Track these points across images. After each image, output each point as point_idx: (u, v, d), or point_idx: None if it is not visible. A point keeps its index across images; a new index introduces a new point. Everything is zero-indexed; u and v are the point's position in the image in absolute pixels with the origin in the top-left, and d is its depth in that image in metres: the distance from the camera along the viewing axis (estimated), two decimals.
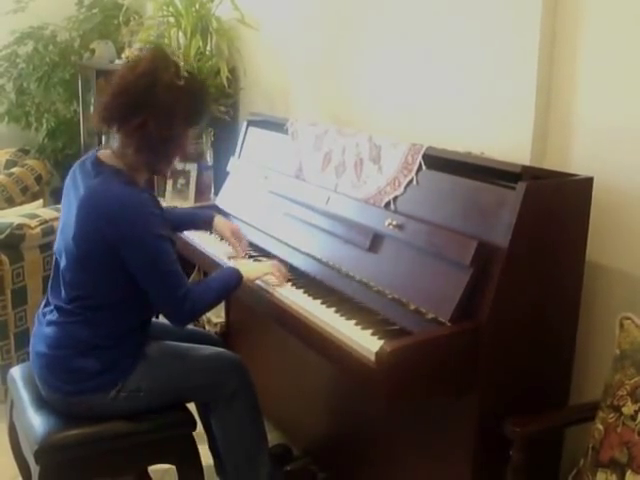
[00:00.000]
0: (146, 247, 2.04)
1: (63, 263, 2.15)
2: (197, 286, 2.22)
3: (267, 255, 2.65)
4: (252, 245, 2.79)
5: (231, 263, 2.53)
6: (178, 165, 3.74)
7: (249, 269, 2.36)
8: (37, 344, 2.20)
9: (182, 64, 2.23)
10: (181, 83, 2.10)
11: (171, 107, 2.07)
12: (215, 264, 2.64)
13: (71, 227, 2.09)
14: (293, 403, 2.88)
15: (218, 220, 2.67)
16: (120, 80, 2.11)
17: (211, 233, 2.80)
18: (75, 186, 2.16)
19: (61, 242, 2.18)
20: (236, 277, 2.28)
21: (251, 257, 2.65)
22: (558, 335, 2.08)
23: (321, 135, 2.68)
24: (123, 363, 2.14)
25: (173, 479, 2.31)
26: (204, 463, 2.29)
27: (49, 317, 2.18)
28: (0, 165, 4.93)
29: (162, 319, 2.25)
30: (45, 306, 2.24)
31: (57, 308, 2.17)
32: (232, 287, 2.27)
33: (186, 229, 2.84)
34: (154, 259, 2.05)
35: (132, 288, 2.10)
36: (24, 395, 2.24)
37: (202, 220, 2.71)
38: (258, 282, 2.35)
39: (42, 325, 2.20)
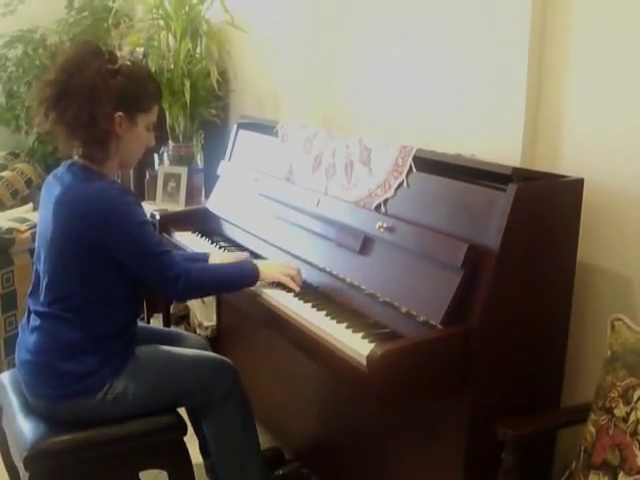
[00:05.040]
0: (128, 236, 2.06)
1: (42, 267, 2.15)
2: (197, 266, 2.29)
3: (258, 259, 2.64)
4: (243, 248, 2.78)
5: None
6: (168, 169, 3.73)
7: (267, 267, 2.35)
8: (21, 352, 2.19)
9: (121, 54, 2.19)
10: (115, 67, 2.08)
11: (93, 89, 2.04)
12: None
13: (49, 229, 2.10)
14: (285, 406, 2.87)
15: (213, 254, 2.59)
16: (48, 75, 2.11)
17: None
18: (49, 191, 2.16)
19: (40, 247, 2.18)
20: (250, 270, 2.29)
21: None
22: (550, 337, 2.08)
23: (311, 137, 2.67)
24: (110, 365, 2.12)
25: None
26: (194, 462, 2.28)
27: (32, 323, 2.16)
28: None
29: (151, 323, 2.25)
30: (27, 315, 2.23)
31: (37, 313, 2.15)
32: (244, 278, 2.28)
33: None
34: (139, 246, 2.07)
35: (115, 286, 2.11)
36: (13, 401, 2.22)
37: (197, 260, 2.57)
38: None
39: (25, 333, 2.19)
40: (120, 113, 2.09)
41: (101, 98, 2.05)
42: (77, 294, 2.10)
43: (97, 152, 2.11)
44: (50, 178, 2.20)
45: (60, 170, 2.17)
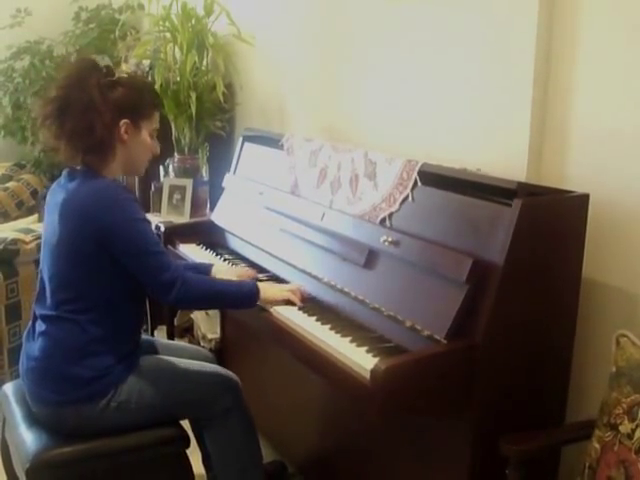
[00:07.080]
0: (127, 231, 2.08)
1: (48, 273, 2.17)
2: (196, 276, 2.28)
3: (263, 272, 2.64)
4: (247, 261, 2.78)
5: None
6: (174, 181, 3.73)
7: (268, 288, 2.33)
8: (27, 360, 2.19)
9: (119, 69, 2.27)
10: (113, 79, 2.16)
11: (91, 101, 2.10)
12: None
13: (55, 234, 2.12)
14: (288, 419, 2.86)
15: (217, 268, 2.58)
16: (48, 91, 2.19)
17: None
18: (54, 197, 2.20)
19: (45, 254, 2.20)
20: (250, 289, 2.27)
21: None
22: (554, 352, 2.07)
23: (316, 151, 2.67)
24: (114, 372, 2.12)
25: None
26: (196, 475, 2.28)
27: (37, 329, 2.18)
28: None
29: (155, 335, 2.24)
30: (33, 322, 2.24)
31: (43, 318, 2.16)
32: (243, 297, 2.27)
33: None
34: (137, 242, 2.09)
35: (120, 288, 2.13)
36: (16, 412, 2.23)
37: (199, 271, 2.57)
38: None
39: (30, 341, 2.20)
40: (125, 120, 2.16)
41: (100, 108, 2.11)
42: (84, 295, 2.11)
43: (97, 159, 2.16)
44: (54, 186, 2.24)
45: (63, 178, 2.21)
